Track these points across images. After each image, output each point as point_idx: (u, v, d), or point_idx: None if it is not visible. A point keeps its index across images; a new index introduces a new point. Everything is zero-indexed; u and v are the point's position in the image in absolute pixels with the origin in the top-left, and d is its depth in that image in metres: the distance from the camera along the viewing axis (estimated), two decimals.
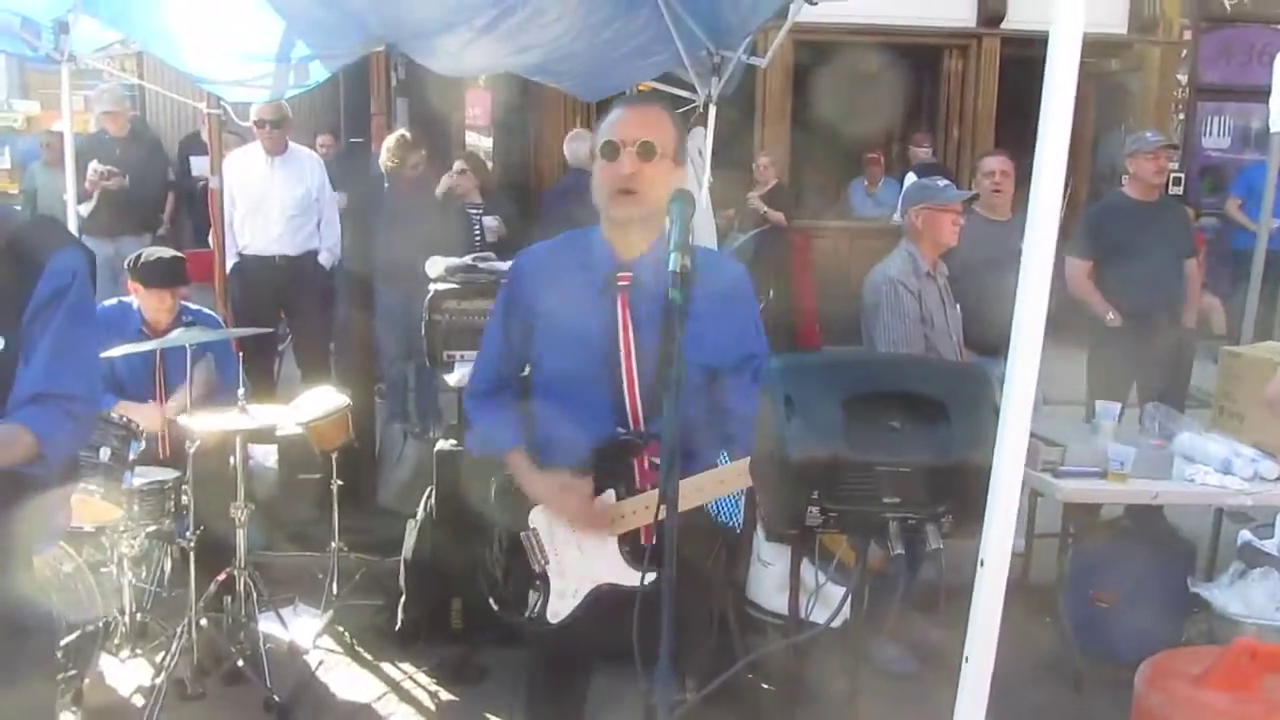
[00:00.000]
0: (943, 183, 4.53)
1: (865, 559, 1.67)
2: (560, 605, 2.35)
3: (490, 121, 11.27)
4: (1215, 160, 11.09)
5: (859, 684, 3.95)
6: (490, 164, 10.82)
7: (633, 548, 2.29)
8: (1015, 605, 4.45)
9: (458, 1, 3.90)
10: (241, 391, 3.85)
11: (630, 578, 2.26)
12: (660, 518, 2.12)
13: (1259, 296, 6.35)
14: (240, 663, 3.82)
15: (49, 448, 1.99)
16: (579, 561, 2.34)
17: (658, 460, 2.22)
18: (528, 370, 2.51)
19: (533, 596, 2.37)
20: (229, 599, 4.00)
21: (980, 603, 1.52)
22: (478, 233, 6.73)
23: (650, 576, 2.19)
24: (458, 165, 7.02)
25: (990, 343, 4.63)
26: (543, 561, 2.37)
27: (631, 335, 2.26)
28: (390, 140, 6.66)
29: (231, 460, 3.91)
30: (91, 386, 2.13)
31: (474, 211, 6.84)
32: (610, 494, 2.28)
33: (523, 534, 2.39)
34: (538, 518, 2.39)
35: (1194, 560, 4.63)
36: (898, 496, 1.54)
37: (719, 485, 2.14)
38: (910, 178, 9.14)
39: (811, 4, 3.49)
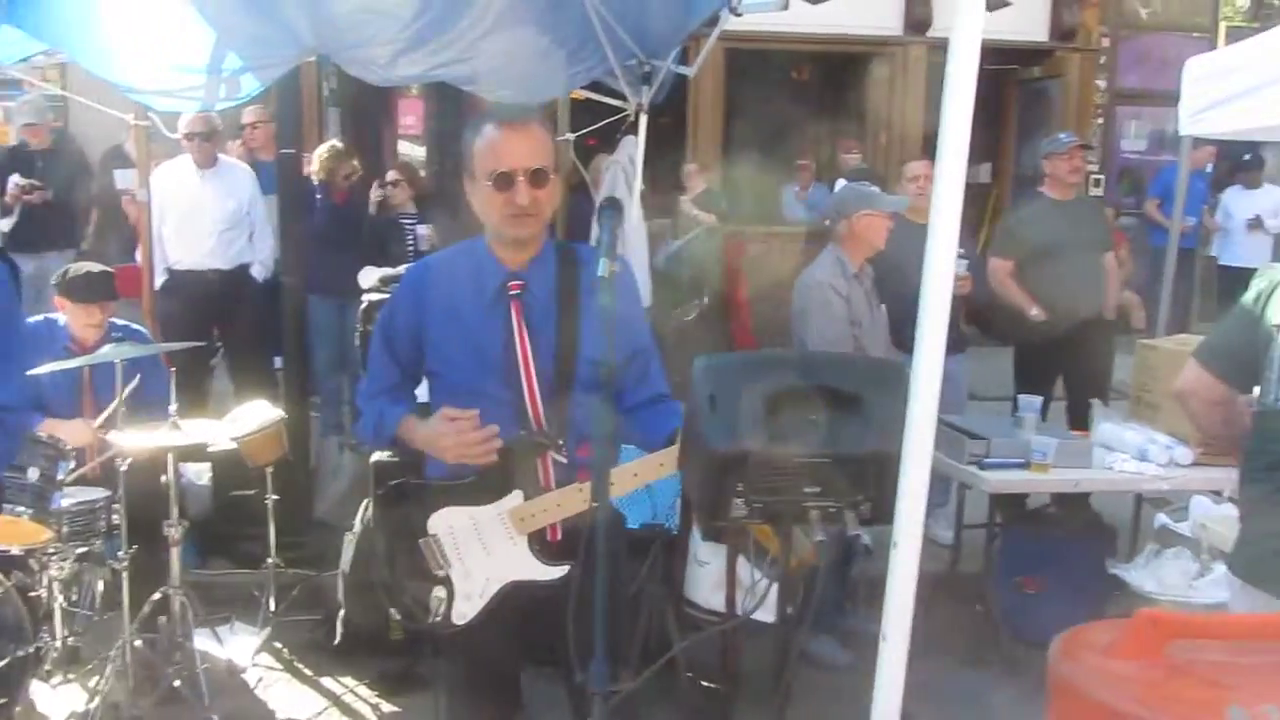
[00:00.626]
0: (873, 188, 4.65)
1: (789, 549, 1.73)
2: (466, 606, 2.35)
3: (424, 130, 11.25)
4: (1133, 162, 11.45)
5: (795, 678, 4.04)
6: (423, 173, 10.81)
7: (542, 545, 2.33)
8: (945, 594, 4.60)
9: (387, 13, 3.90)
10: (173, 408, 3.81)
11: (542, 573, 2.30)
12: (582, 509, 2.18)
13: (1172, 292, 6.57)
14: (177, 683, 3.78)
15: None
16: (485, 561, 2.35)
17: (562, 459, 2.31)
18: (425, 388, 2.56)
19: (435, 601, 2.37)
20: (164, 619, 3.94)
21: (895, 583, 1.58)
22: (411, 242, 6.72)
23: (561, 571, 2.28)
24: (391, 175, 7.01)
25: (906, 337, 4.76)
26: (445, 565, 2.37)
27: (528, 340, 2.33)
28: (321, 150, 6.62)
29: (164, 478, 3.86)
30: (23, 396, 2.11)
31: (407, 221, 6.83)
32: (518, 494, 2.32)
33: (421, 541, 2.40)
34: (437, 523, 2.39)
35: (1115, 544, 4.80)
36: (818, 486, 1.61)
37: (559, 508, 2.23)
38: (841, 184, 9.30)
39: (736, 14, 3.55)
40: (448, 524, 2.38)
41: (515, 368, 2.32)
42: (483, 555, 2.35)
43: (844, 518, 1.62)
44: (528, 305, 2.34)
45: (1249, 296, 2.49)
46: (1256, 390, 2.48)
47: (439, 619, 2.36)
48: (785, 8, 3.46)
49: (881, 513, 1.65)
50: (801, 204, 10.44)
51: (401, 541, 2.41)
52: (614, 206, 2.13)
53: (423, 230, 6.64)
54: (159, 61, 4.25)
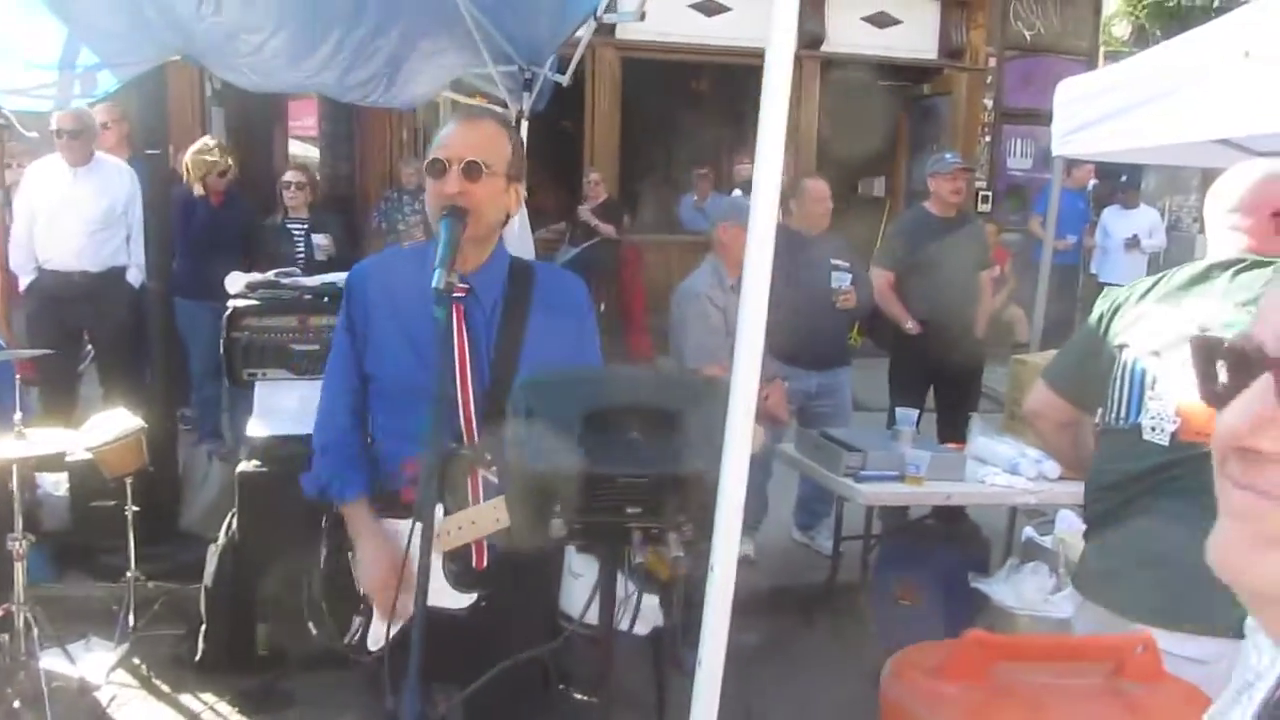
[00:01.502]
0: (748, 201, 4.66)
1: (614, 567, 1.70)
2: (381, 630, 2.25)
3: (319, 132, 11.02)
4: (1019, 179, 11.80)
5: (670, 688, 4.03)
6: (317, 176, 10.58)
7: (460, 569, 2.24)
8: (824, 605, 4.62)
9: (245, 31, 3.78)
10: (18, 416, 3.62)
11: (454, 600, 2.21)
12: (494, 529, 2.11)
13: (1055, 308, 6.76)
14: (17, 704, 3.59)
15: None
16: (403, 586, 2.22)
17: (492, 477, 2.19)
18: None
19: (356, 621, 2.29)
20: (7, 638, 3.75)
21: (711, 608, 1.55)
22: (301, 251, 6.53)
23: (469, 600, 2.20)
24: (291, 176, 6.77)
25: (802, 353, 4.82)
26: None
27: (467, 347, 2.21)
28: (191, 150, 6.39)
29: (10, 487, 3.67)
30: None
31: (297, 228, 6.63)
32: (439, 509, 2.18)
33: (350, 555, 2.31)
34: None
35: (988, 557, 4.90)
36: (639, 506, 1.57)
37: (491, 518, 2.11)
38: (737, 193, 9.39)
39: (598, 21, 3.54)
40: None
41: (451, 375, 2.20)
42: (406, 575, 2.21)
43: (667, 539, 1.59)
44: (470, 311, 2.22)
45: (1092, 318, 2.54)
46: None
47: (354, 642, 2.28)
48: (642, 18, 3.44)
49: (703, 533, 1.62)
50: (700, 213, 10.51)
51: (335, 558, 2.32)
52: (454, 214, 2.07)
53: (320, 240, 6.44)
54: (8, 58, 4.05)
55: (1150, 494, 2.25)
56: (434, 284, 1.89)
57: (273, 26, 3.68)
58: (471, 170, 2.14)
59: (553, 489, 1.55)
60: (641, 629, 4.06)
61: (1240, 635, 0.85)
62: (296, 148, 11.29)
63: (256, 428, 4.00)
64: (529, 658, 1.96)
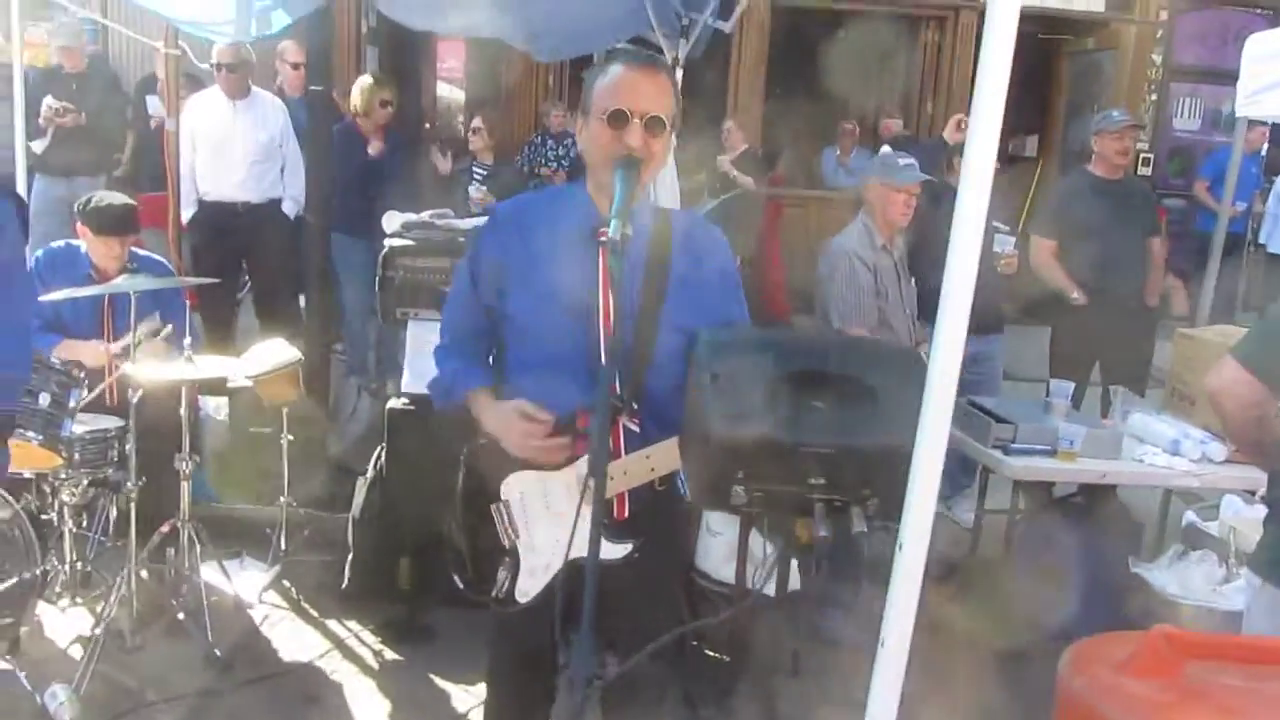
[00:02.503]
0: (905, 161, 4.49)
1: (792, 535, 1.66)
2: (529, 583, 2.24)
3: (464, 74, 11.12)
4: (1184, 142, 11.13)
5: (803, 652, 4.00)
6: (461, 117, 10.70)
7: (608, 519, 2.17)
8: (964, 579, 4.50)
9: None
10: (188, 341, 3.78)
11: (609, 551, 2.12)
12: (647, 479, 2.08)
13: (1217, 280, 6.39)
14: (181, 616, 3.79)
15: None
16: (552, 535, 2.22)
17: (634, 427, 2.17)
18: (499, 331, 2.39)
19: (500, 574, 2.26)
20: (172, 550, 3.96)
21: (898, 587, 1.50)
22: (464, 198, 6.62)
23: (624, 550, 2.14)
24: (476, 123, 6.85)
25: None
26: (513, 536, 2.26)
27: (611, 292, 2.14)
28: (362, 81, 6.49)
29: (179, 410, 3.85)
30: (21, 347, 2.05)
31: (480, 173, 6.71)
32: (582, 462, 2.15)
33: (493, 507, 2.27)
34: (509, 489, 2.27)
35: (1140, 539, 4.69)
36: (823, 478, 1.52)
37: (645, 468, 2.06)
38: (885, 150, 9.11)
39: None
40: (519, 489, 2.25)
41: (595, 321, 2.16)
42: (550, 527, 2.23)
43: (850, 513, 1.54)
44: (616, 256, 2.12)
45: None
46: None
47: (501, 595, 2.25)
48: None
49: (889, 509, 1.56)
50: (843, 169, 10.26)
51: (475, 505, 2.29)
52: (629, 165, 2.02)
53: (475, 192, 6.47)
54: None
55: None
56: (611, 234, 1.86)
57: None
58: (654, 125, 2.11)
59: (735, 454, 1.51)
60: (775, 591, 4.07)
61: None
62: (443, 89, 11.42)
63: (409, 377, 4.08)
64: (694, 626, 1.93)
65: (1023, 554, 4.51)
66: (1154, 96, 10.77)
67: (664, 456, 2.04)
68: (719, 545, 4.02)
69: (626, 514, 2.21)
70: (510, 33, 4.52)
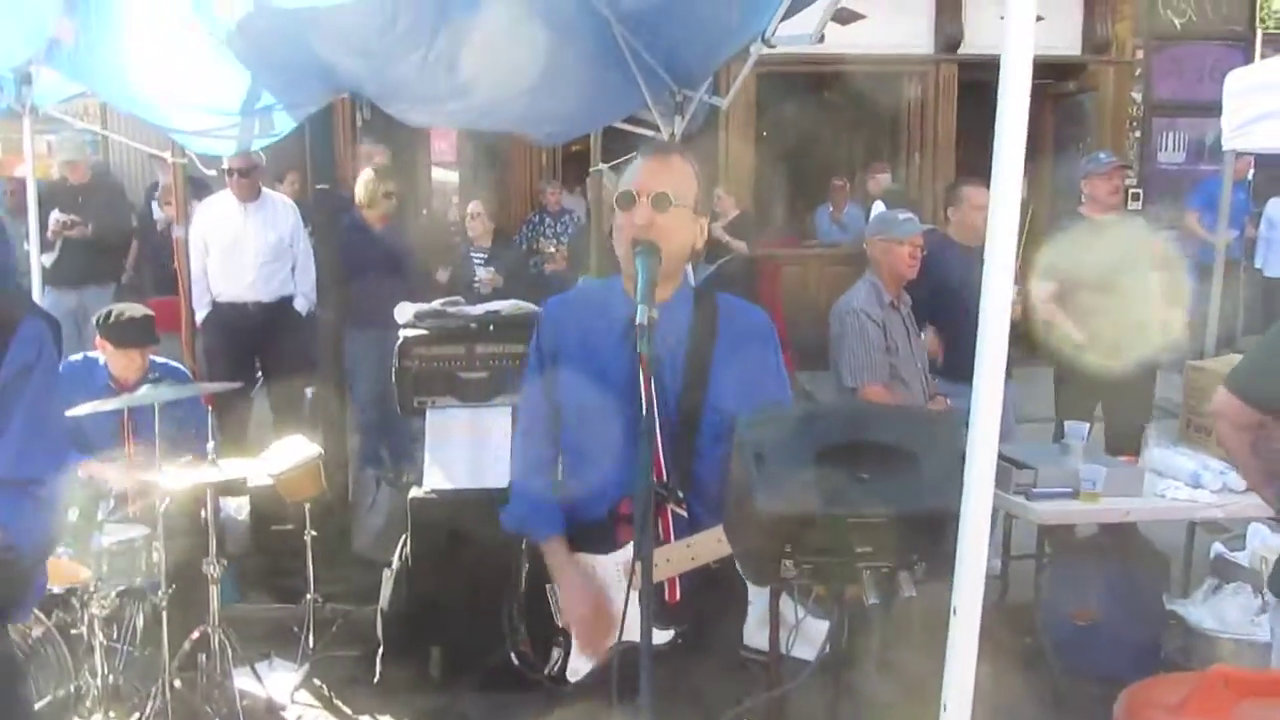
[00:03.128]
0: (903, 215, 4.58)
1: (842, 606, 1.67)
2: (580, 663, 2.27)
3: (457, 158, 11.30)
4: (1171, 174, 11.28)
5: (842, 715, 3.96)
6: (456, 200, 10.83)
7: (660, 604, 2.19)
8: (994, 626, 4.47)
9: (419, 72, 3.88)
10: (211, 445, 3.81)
11: (653, 636, 2.13)
12: (689, 567, 2.12)
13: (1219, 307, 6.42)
14: None
15: (20, 537, 1.93)
16: (604, 620, 2.25)
17: (683, 513, 2.21)
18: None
19: (555, 653, 2.30)
20: (203, 657, 3.93)
21: (955, 651, 1.51)
22: (476, 282, 6.68)
23: (669, 635, 2.18)
24: (474, 207, 6.93)
25: (965, 369, 4.67)
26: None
27: (652, 380, 2.14)
28: (365, 175, 6.61)
29: (202, 514, 3.87)
30: (61, 464, 2.08)
31: (479, 258, 6.78)
32: (629, 547, 2.19)
33: (548, 586, 2.33)
34: None
35: (1168, 574, 4.67)
36: (870, 546, 1.55)
37: (686, 556, 2.11)
38: (878, 205, 9.26)
39: (770, 47, 3.51)
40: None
41: (638, 409, 2.16)
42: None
43: (898, 579, 1.56)
44: (655, 344, 2.15)
45: None
46: None
47: (554, 674, 2.29)
48: (821, 40, 3.40)
49: (937, 571, 1.58)
50: (837, 225, 10.38)
51: (535, 587, 2.36)
52: (649, 250, 2.08)
53: (484, 274, 6.54)
54: (194, 103, 4.29)
55: None
56: (638, 319, 1.90)
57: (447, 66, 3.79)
58: (660, 202, 2.17)
59: (783, 530, 1.53)
60: (811, 654, 4.04)
61: None
62: (438, 174, 11.60)
63: (433, 472, 4.11)
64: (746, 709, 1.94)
65: (1053, 596, 4.49)
66: (1137, 133, 10.95)
67: (705, 546, 2.08)
68: (750, 612, 4.00)
69: (679, 597, 2.23)
70: (508, 123, 4.63)
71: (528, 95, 4.16)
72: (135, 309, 4.31)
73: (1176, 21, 11.01)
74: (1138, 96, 10.96)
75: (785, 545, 1.54)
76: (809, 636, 4.22)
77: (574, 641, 2.27)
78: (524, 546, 2.41)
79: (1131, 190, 10.63)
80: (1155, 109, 11.08)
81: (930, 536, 1.55)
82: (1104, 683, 3.09)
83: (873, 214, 9.94)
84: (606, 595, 2.25)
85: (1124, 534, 4.93)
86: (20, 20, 3.64)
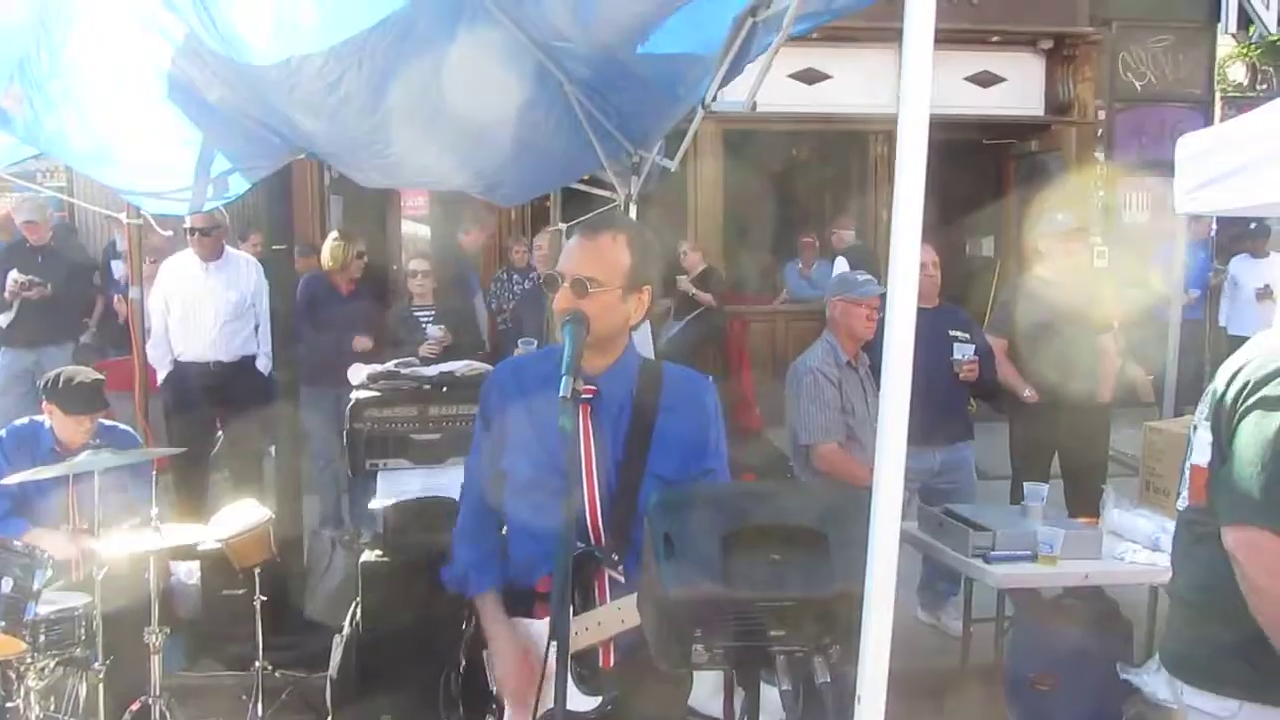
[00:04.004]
0: (863, 276, 4.61)
1: (757, 694, 1.63)
2: None
3: (429, 212, 11.32)
4: (1136, 232, 11.42)
5: None
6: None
7: (587, 669, 2.23)
8: (956, 690, 4.42)
9: (369, 137, 3.89)
10: (154, 511, 3.74)
11: (580, 703, 2.19)
12: (619, 630, 2.12)
13: (1180, 365, 6.47)
14: None
15: None
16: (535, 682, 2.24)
17: (620, 577, 2.23)
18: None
19: None
20: None
21: None
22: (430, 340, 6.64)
23: (595, 702, 2.18)
24: (416, 265, 6.90)
25: (921, 430, 4.67)
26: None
27: (594, 449, 2.25)
28: (329, 242, 6.61)
29: (146, 580, 3.78)
30: None
31: (423, 314, 6.74)
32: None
33: (484, 654, 2.35)
34: None
35: (1131, 639, 4.62)
36: (783, 629, 1.51)
37: (617, 619, 2.11)
38: (840, 261, 9.33)
39: (708, 110, 3.55)
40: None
41: (578, 475, 2.24)
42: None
43: (812, 663, 1.52)
44: (597, 412, 2.27)
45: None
46: None
47: None
48: (753, 109, 3.46)
49: (853, 656, 1.55)
50: (806, 281, 10.44)
51: (475, 654, 2.39)
52: (575, 321, 2.08)
53: (435, 332, 6.50)
54: (148, 164, 4.26)
55: None
56: (561, 392, 1.89)
57: (406, 132, 3.79)
58: (577, 287, 2.19)
59: (692, 614, 1.50)
60: None
61: None
62: (409, 228, 11.61)
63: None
64: None
65: (1014, 661, 4.44)
66: (1101, 192, 11.11)
67: (633, 608, 2.04)
68: (704, 679, 3.93)
69: (612, 663, 2.23)
70: (468, 184, 4.63)
71: (479, 158, 4.18)
72: (85, 373, 4.25)
73: (1137, 84, 11.24)
74: (1101, 156, 11.14)
75: (695, 630, 1.50)
76: (765, 704, 4.19)
77: (505, 708, 2.26)
78: (467, 614, 2.40)
79: (1097, 249, 10.76)
80: (1119, 168, 11.26)
81: (844, 619, 1.51)
82: None
83: (835, 270, 10.07)
84: (537, 654, 2.24)
85: (1088, 596, 4.90)
86: None
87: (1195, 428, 2.56)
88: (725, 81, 3.33)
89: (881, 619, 1.38)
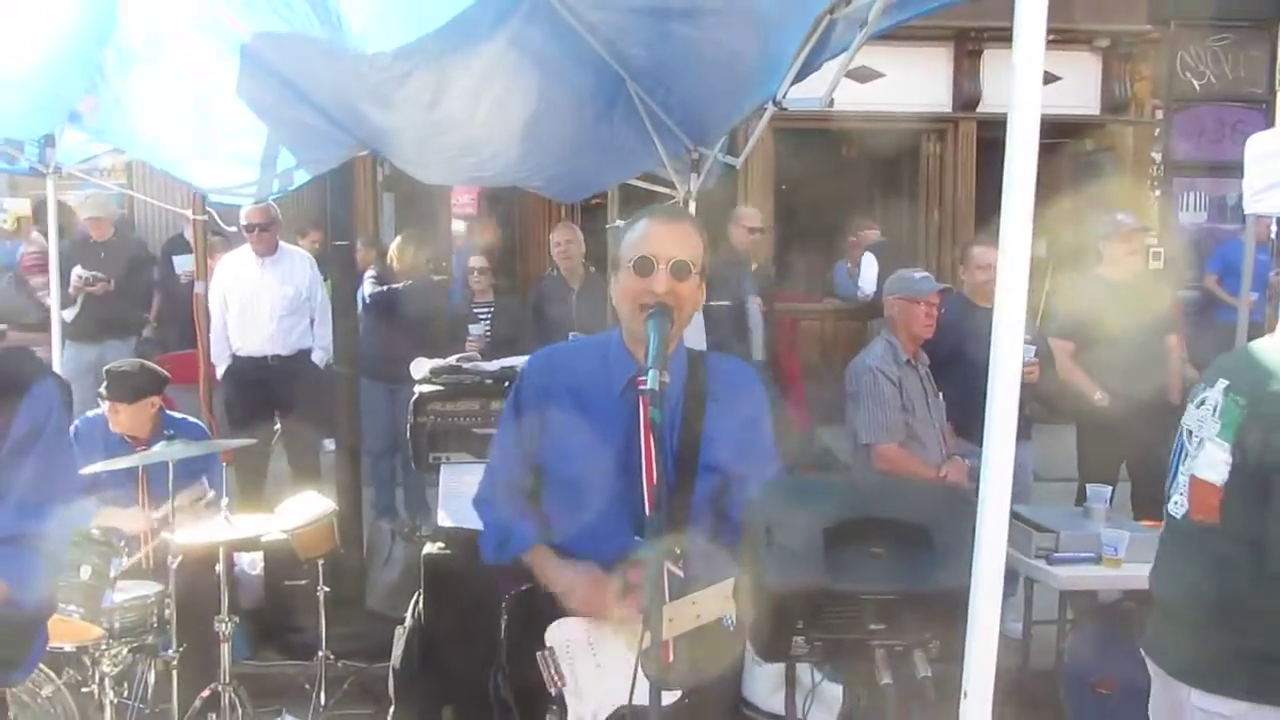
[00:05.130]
0: (920, 274, 4.59)
1: (855, 693, 1.64)
2: None
3: (478, 210, 11.40)
4: (1193, 233, 11.24)
5: None
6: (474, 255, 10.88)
7: (656, 666, 2.11)
8: (1014, 694, 4.39)
9: (435, 130, 3.93)
10: (225, 502, 3.81)
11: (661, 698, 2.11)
12: (694, 625, 2.07)
13: None
14: None
15: (21, 592, 1.95)
16: (598, 682, 2.22)
17: (679, 572, 2.16)
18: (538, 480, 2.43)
19: None
20: (213, 715, 3.91)
21: None
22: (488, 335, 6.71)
23: (672, 697, 2.12)
24: (476, 261, 7.01)
25: (968, 427, 4.65)
26: (559, 683, 2.24)
27: (653, 439, 2.17)
28: (395, 246, 6.72)
29: (216, 569, 3.85)
30: (65, 522, 2.09)
31: (482, 311, 6.80)
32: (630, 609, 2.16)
33: (539, 654, 2.26)
34: (554, 636, 2.27)
35: None
36: (883, 624, 1.52)
37: (692, 614, 2.06)
38: (868, 258, 9.31)
39: (782, 109, 3.54)
40: (564, 636, 2.26)
41: (636, 468, 2.18)
42: (596, 673, 2.22)
43: (913, 658, 1.52)
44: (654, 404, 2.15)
45: None
46: None
47: None
48: (830, 105, 3.43)
49: (952, 651, 1.55)
50: (853, 280, 10.37)
51: (520, 653, 2.30)
52: (661, 313, 2.07)
53: (474, 329, 6.55)
54: (216, 158, 4.35)
55: None
56: (649, 384, 1.89)
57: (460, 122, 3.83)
58: (680, 270, 2.16)
59: (794, 606, 1.51)
60: (825, 717, 3.96)
61: None
62: (458, 226, 11.69)
63: (444, 515, 4.09)
64: None
65: (1074, 664, 4.40)
66: (1157, 192, 10.94)
67: (710, 602, 2.03)
68: (766, 674, 3.93)
69: (671, 658, 2.17)
70: (525, 179, 4.66)
71: (540, 153, 4.21)
72: (132, 363, 4.38)
73: (1196, 83, 11.04)
74: (1157, 156, 10.96)
75: (797, 622, 1.51)
76: (825, 701, 4.17)
77: (569, 708, 2.21)
78: (504, 608, 2.35)
79: (1153, 250, 10.61)
80: (1175, 169, 11.07)
81: (945, 614, 1.51)
82: None
83: (862, 268, 10.05)
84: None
85: (1150, 600, 4.83)
86: (45, 96, 3.72)
87: (1192, 435, 2.59)
88: (799, 78, 3.32)
89: (988, 613, 1.38)
